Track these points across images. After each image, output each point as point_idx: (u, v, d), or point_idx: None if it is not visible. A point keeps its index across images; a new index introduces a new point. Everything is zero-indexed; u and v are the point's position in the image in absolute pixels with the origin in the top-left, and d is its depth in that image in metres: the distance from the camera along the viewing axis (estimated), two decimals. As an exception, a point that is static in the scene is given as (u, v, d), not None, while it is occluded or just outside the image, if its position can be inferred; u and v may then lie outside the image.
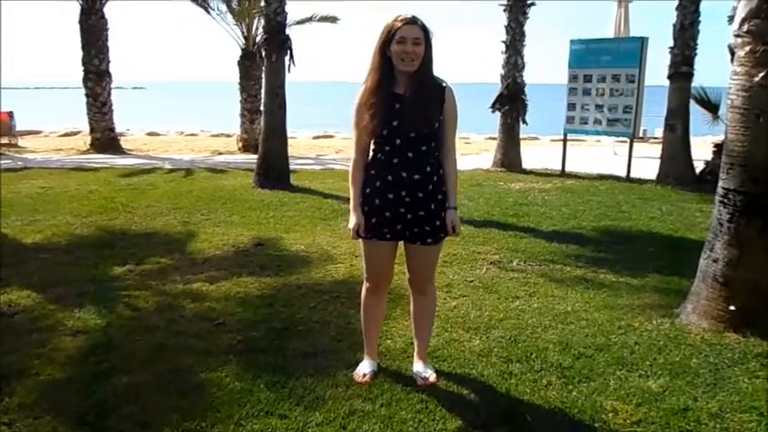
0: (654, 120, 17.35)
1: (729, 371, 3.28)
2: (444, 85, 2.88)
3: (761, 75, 3.43)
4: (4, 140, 15.64)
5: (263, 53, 9.38)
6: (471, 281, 4.78)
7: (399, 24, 2.76)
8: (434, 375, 3.11)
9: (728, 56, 3.76)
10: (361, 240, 2.99)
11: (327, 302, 4.26)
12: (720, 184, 3.81)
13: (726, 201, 3.74)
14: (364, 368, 3.16)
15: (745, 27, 3.53)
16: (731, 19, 3.63)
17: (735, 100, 3.62)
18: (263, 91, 9.68)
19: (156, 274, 4.90)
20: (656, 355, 3.45)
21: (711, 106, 9.98)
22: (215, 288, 4.54)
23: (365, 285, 3.14)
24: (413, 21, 2.78)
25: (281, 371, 3.20)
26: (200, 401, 2.92)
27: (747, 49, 3.51)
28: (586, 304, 4.27)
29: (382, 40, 2.80)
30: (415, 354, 3.22)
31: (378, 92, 2.81)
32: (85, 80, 14.72)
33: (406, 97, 2.81)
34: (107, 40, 14.77)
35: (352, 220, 2.92)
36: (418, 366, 3.16)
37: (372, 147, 2.92)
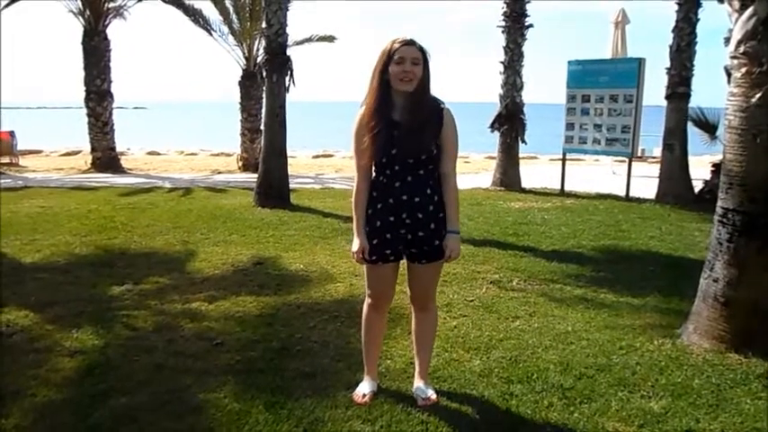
0: (652, 139, 17.44)
1: (731, 392, 3.26)
2: (442, 107, 2.90)
3: (757, 96, 3.45)
4: (5, 160, 15.71)
5: (264, 73, 9.45)
6: (471, 300, 4.77)
7: (398, 46, 2.80)
8: (435, 395, 3.09)
9: (725, 77, 3.78)
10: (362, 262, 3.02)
11: (327, 322, 4.24)
12: (719, 203, 3.82)
13: (725, 220, 3.74)
14: (364, 388, 3.14)
15: (741, 49, 3.55)
16: (727, 41, 3.66)
17: (732, 120, 3.64)
18: (263, 110, 9.73)
19: (155, 294, 4.88)
20: (658, 376, 3.42)
21: (709, 126, 10.02)
22: (214, 307, 4.52)
23: (367, 302, 3.15)
24: (411, 42, 2.82)
25: (279, 392, 3.18)
26: (198, 423, 2.89)
27: (744, 70, 3.54)
28: (587, 324, 4.25)
29: (381, 63, 2.83)
30: (416, 373, 3.20)
31: (376, 117, 2.83)
32: (87, 100, 14.83)
33: (403, 125, 2.83)
34: (109, 61, 14.90)
35: (356, 244, 2.94)
36: (419, 385, 3.14)
37: (374, 169, 2.94)
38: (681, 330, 4.04)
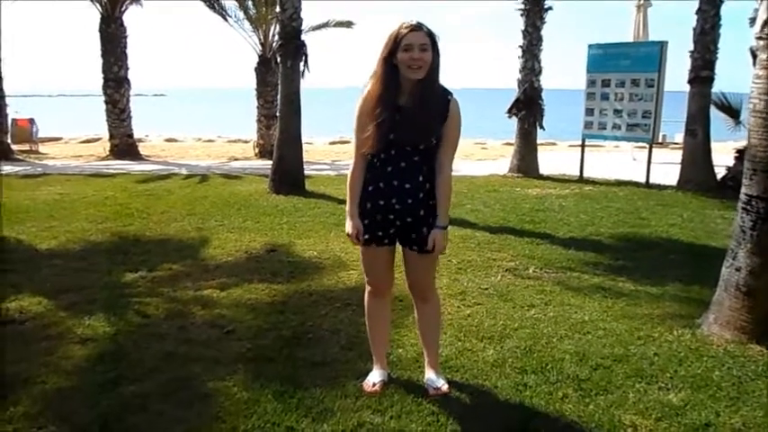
0: (673, 125, 17.13)
1: (753, 384, 3.16)
2: (450, 97, 2.81)
3: (785, 78, 3.30)
4: (26, 147, 15.87)
5: (279, 59, 9.38)
6: (486, 288, 4.69)
7: (405, 31, 2.70)
8: (447, 385, 3.02)
9: (750, 59, 3.64)
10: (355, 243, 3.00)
11: (338, 310, 4.19)
12: (743, 190, 3.69)
13: (749, 208, 3.62)
14: (374, 378, 3.09)
15: (767, 30, 3.41)
16: (753, 21, 3.52)
17: (757, 104, 3.51)
18: (278, 97, 9.67)
19: (168, 281, 4.87)
20: (677, 367, 3.33)
21: (732, 111, 9.81)
22: (226, 295, 4.50)
23: (366, 289, 3.13)
24: (418, 27, 2.72)
25: (289, 381, 3.14)
26: (206, 412, 2.87)
27: (771, 51, 3.40)
28: (604, 313, 4.16)
29: (388, 48, 2.74)
30: (426, 363, 3.14)
31: (380, 102, 2.76)
32: (105, 87, 14.91)
33: (407, 109, 2.75)
34: (126, 47, 14.94)
35: (349, 226, 2.91)
36: (430, 376, 3.08)
37: (369, 151, 2.87)
38: (701, 320, 3.94)
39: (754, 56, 3.55)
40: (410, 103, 2.76)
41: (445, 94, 2.80)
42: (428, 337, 3.11)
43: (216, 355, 3.46)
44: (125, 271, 5.11)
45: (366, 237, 2.90)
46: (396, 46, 2.71)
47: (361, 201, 2.89)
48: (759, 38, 3.45)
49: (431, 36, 2.72)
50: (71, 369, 3.30)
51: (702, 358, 3.44)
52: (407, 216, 2.84)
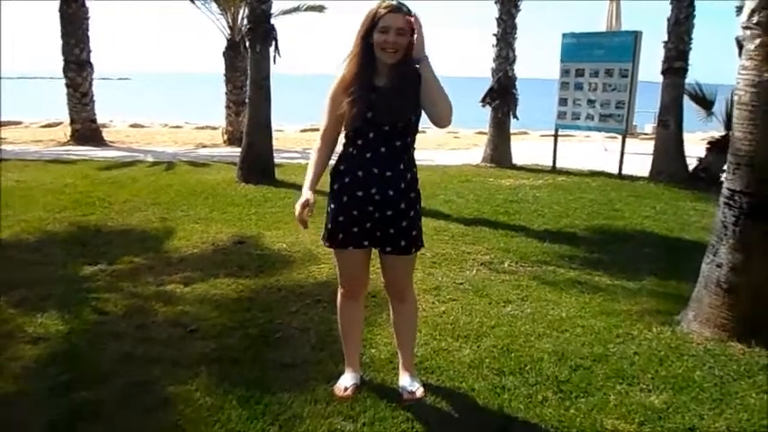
0: (644, 115, 17.25)
1: (736, 385, 3.08)
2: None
3: (772, 70, 3.21)
4: (-17, 131, 15.24)
5: (248, 44, 9.08)
6: (461, 283, 4.56)
7: (383, 12, 2.55)
8: (422, 389, 2.87)
9: (736, 49, 3.55)
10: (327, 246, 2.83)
11: (309, 307, 4.01)
12: (725, 184, 3.60)
13: (731, 203, 3.53)
14: (346, 381, 2.92)
15: (755, 18, 3.31)
16: (740, 10, 3.43)
17: (742, 96, 3.41)
18: (248, 82, 9.38)
19: (128, 275, 4.62)
20: (658, 367, 3.24)
21: (706, 102, 9.83)
22: (190, 290, 4.28)
23: (339, 291, 2.94)
24: (398, 8, 2.56)
25: (255, 384, 2.96)
26: (166, 419, 2.68)
27: (757, 42, 3.30)
28: (582, 310, 4.06)
29: (365, 27, 2.59)
30: (401, 366, 2.97)
31: (356, 81, 2.60)
32: (66, 70, 14.32)
33: (382, 88, 2.61)
34: (88, 29, 14.36)
35: (302, 198, 2.66)
36: (404, 380, 2.91)
37: (344, 140, 2.72)
38: (680, 317, 3.86)
39: (740, 46, 3.45)
40: (387, 84, 2.61)
41: (417, 69, 2.63)
42: (404, 337, 2.95)
43: (177, 356, 3.25)
44: (83, 264, 4.85)
45: (340, 237, 2.72)
46: (372, 25, 2.56)
47: (336, 193, 2.71)
48: (746, 27, 3.35)
49: (411, 18, 2.56)
50: (19, 372, 3.07)
51: (683, 357, 3.36)
52: (387, 209, 2.66)
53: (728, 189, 3.55)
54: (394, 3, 2.57)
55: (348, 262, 2.81)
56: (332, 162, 2.77)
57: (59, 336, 3.49)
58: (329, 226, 2.75)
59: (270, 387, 2.94)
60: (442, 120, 2.62)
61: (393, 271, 2.83)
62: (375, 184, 2.63)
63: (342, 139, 2.73)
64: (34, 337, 3.44)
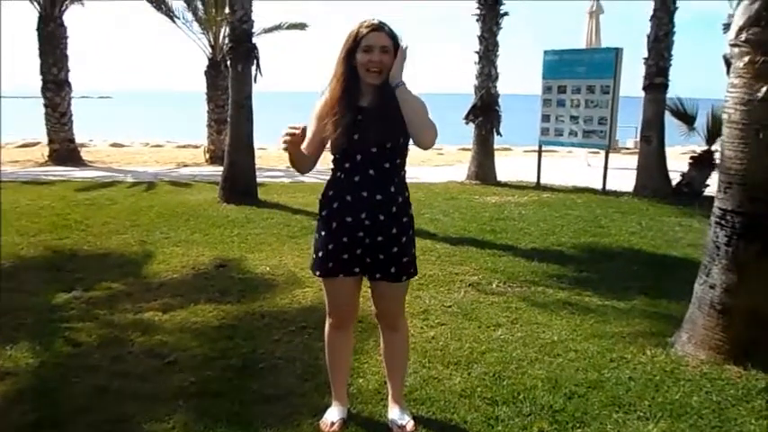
0: (625, 130, 17.36)
1: (734, 410, 2.99)
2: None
3: (764, 89, 3.15)
4: (-43, 152, 14.92)
5: (229, 63, 8.98)
6: (449, 306, 4.45)
7: (365, 31, 2.47)
8: (412, 423, 2.76)
9: (724, 67, 3.50)
10: (317, 276, 2.69)
11: (293, 334, 3.87)
12: (716, 204, 3.54)
13: (723, 222, 3.47)
14: (332, 416, 2.79)
15: (743, 36, 3.27)
16: (727, 27, 3.38)
17: (732, 114, 3.36)
18: (229, 101, 9.26)
19: (105, 302, 4.45)
20: (654, 393, 3.14)
21: (687, 117, 9.88)
22: (168, 318, 4.13)
23: (328, 321, 2.81)
24: (379, 27, 2.48)
25: (237, 420, 2.82)
26: (141, 461, 2.52)
27: (746, 59, 3.25)
28: (573, 332, 3.96)
29: (347, 48, 2.50)
30: (390, 397, 2.86)
31: (340, 103, 2.50)
32: (44, 90, 14.13)
33: (367, 108, 2.52)
34: (66, 48, 14.19)
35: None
36: (394, 412, 2.80)
37: (332, 165, 2.61)
38: (674, 339, 3.77)
39: (728, 64, 3.40)
40: (372, 104, 2.52)
41: None
42: (394, 368, 2.84)
43: (155, 390, 3.10)
44: (57, 291, 4.66)
45: (330, 265, 2.60)
46: (355, 45, 2.46)
47: (325, 220, 2.60)
48: (734, 45, 3.31)
49: (392, 38, 2.48)
50: (-15, 411, 2.90)
51: (679, 382, 3.26)
52: (377, 234, 2.55)
53: (720, 209, 3.49)
54: (375, 21, 2.49)
55: (338, 291, 2.69)
56: (320, 190, 2.66)
57: (29, 370, 3.32)
58: (319, 254, 2.62)
59: (252, 422, 2.80)
60: (425, 142, 2.52)
61: (383, 299, 2.72)
62: (365, 209, 2.53)
63: (330, 165, 2.63)
64: (2, 372, 3.27)
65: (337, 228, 2.56)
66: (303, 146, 2.50)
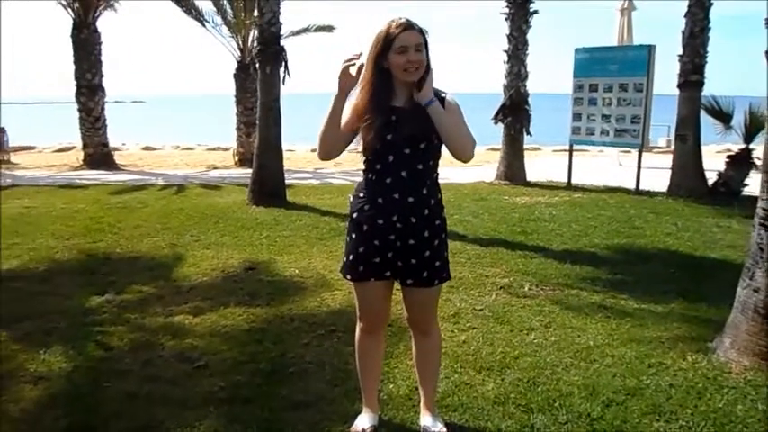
0: (657, 129, 17.00)
1: (782, 420, 2.86)
2: (444, 95, 2.50)
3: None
4: (-4, 157, 15.29)
5: (257, 65, 9.02)
6: (480, 309, 4.37)
7: (397, 31, 2.39)
8: (445, 430, 2.69)
9: (765, 63, 3.36)
10: (348, 280, 2.65)
11: (323, 338, 3.84)
12: (760, 204, 3.41)
13: (767, 224, 3.33)
14: (363, 423, 2.74)
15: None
16: (770, 21, 3.23)
17: (776, 110, 3.22)
18: (258, 104, 9.30)
19: (136, 305, 4.48)
20: (696, 401, 3.02)
21: (723, 116, 9.62)
22: (199, 321, 4.13)
23: (359, 325, 2.76)
24: (410, 26, 2.41)
25: (266, 426, 2.78)
26: (171, 468, 2.50)
27: (791, 53, 3.12)
28: (609, 337, 3.85)
29: (377, 49, 2.42)
30: (422, 404, 2.80)
31: (372, 105, 2.43)
32: (78, 95, 14.42)
33: (403, 109, 2.46)
34: (100, 54, 14.47)
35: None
36: (426, 419, 2.74)
37: (363, 166, 2.55)
38: (715, 344, 3.64)
39: (772, 59, 3.27)
40: (407, 104, 2.46)
41: (440, 94, 2.49)
42: (426, 374, 2.78)
43: (184, 395, 3.09)
44: (90, 294, 4.71)
45: (361, 269, 2.54)
46: (386, 47, 2.39)
47: (356, 223, 2.54)
48: (778, 39, 3.18)
49: (423, 34, 2.42)
50: (18, 415, 2.91)
51: (723, 390, 3.14)
52: (410, 237, 2.49)
53: (763, 209, 3.36)
54: (404, 20, 2.42)
55: (369, 295, 2.63)
56: (348, 191, 2.62)
57: (61, 375, 3.33)
58: (349, 258, 2.58)
59: (282, 429, 2.76)
60: (463, 156, 2.48)
61: (415, 304, 2.65)
62: (396, 212, 2.47)
63: (358, 166, 2.58)
64: (35, 377, 3.29)
65: (368, 230, 2.51)
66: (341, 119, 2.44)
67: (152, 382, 3.22)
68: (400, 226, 2.48)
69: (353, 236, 2.56)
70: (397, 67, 2.41)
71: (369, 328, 2.73)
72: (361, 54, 2.43)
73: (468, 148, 2.47)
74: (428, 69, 2.43)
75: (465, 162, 2.55)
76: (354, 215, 2.55)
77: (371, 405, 2.80)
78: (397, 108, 2.46)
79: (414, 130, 2.43)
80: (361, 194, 2.54)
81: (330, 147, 2.52)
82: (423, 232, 2.50)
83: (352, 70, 2.43)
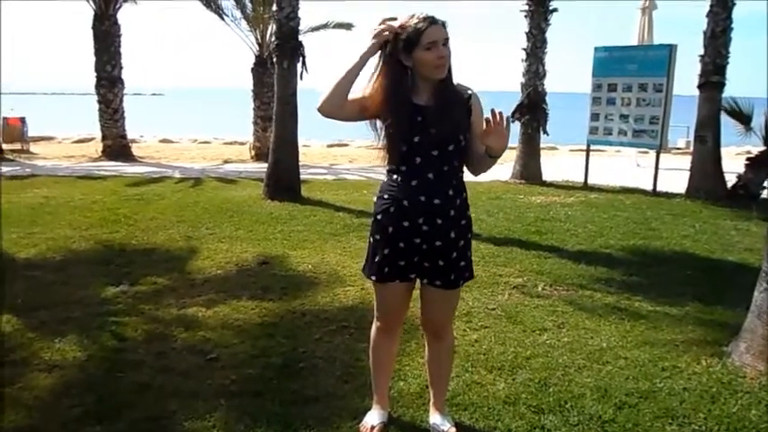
0: (676, 130, 16.82)
1: (797, 427, 2.82)
2: (469, 92, 2.46)
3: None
4: (17, 146, 15.50)
5: (275, 59, 9.04)
6: (493, 308, 4.35)
7: (423, 26, 2.30)
8: (454, 429, 2.68)
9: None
10: (372, 281, 2.60)
11: (334, 333, 3.84)
12: (780, 207, 3.35)
13: (787, 227, 3.27)
14: (372, 419, 2.74)
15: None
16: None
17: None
18: (274, 98, 9.33)
19: (151, 297, 4.52)
20: (710, 406, 2.99)
21: (743, 117, 9.50)
22: (212, 314, 4.15)
23: (375, 324, 2.72)
24: (435, 20, 2.33)
25: (276, 420, 2.79)
26: (181, 459, 2.52)
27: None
28: (623, 339, 3.82)
29: (400, 45, 2.33)
30: (431, 404, 2.79)
31: (393, 99, 2.36)
32: (98, 86, 14.58)
33: (430, 108, 2.38)
34: (120, 46, 14.60)
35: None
36: (435, 419, 2.73)
37: (387, 166, 2.49)
38: (730, 348, 3.60)
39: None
40: (432, 102, 2.38)
41: (463, 90, 2.45)
42: (437, 376, 2.76)
43: (196, 387, 3.10)
44: (105, 285, 4.75)
45: (386, 270, 2.50)
46: (411, 43, 2.31)
47: (381, 224, 2.48)
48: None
49: (445, 27, 2.35)
50: (32, 403, 2.95)
51: (737, 394, 3.10)
52: (436, 239, 2.44)
53: (784, 212, 3.30)
54: (428, 15, 2.33)
55: (391, 296, 2.58)
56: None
57: (75, 364, 3.37)
58: (375, 259, 2.52)
59: (292, 423, 2.77)
60: (477, 174, 2.54)
61: (434, 305, 2.60)
62: (422, 214, 2.41)
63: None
64: (50, 365, 3.33)
65: (393, 233, 2.45)
66: (351, 94, 2.38)
67: (164, 374, 3.24)
68: (426, 228, 2.42)
69: (378, 237, 2.50)
70: (426, 64, 2.33)
71: (386, 327, 2.69)
72: (396, 19, 2.35)
73: (486, 172, 2.51)
74: (506, 121, 2.33)
75: (475, 176, 2.57)
76: (379, 216, 2.49)
77: (382, 402, 2.80)
78: (422, 107, 2.39)
79: (443, 131, 2.37)
80: (386, 196, 2.47)
81: (335, 102, 2.38)
82: (449, 233, 2.45)
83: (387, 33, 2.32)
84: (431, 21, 2.31)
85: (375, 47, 2.36)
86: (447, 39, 2.34)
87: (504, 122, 2.30)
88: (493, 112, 2.29)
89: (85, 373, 3.26)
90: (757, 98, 9.84)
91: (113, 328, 3.90)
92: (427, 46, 2.30)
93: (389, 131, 2.39)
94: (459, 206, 2.47)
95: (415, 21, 2.32)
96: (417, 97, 2.40)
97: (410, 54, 2.33)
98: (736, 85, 9.89)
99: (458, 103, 2.42)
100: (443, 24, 2.35)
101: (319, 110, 2.41)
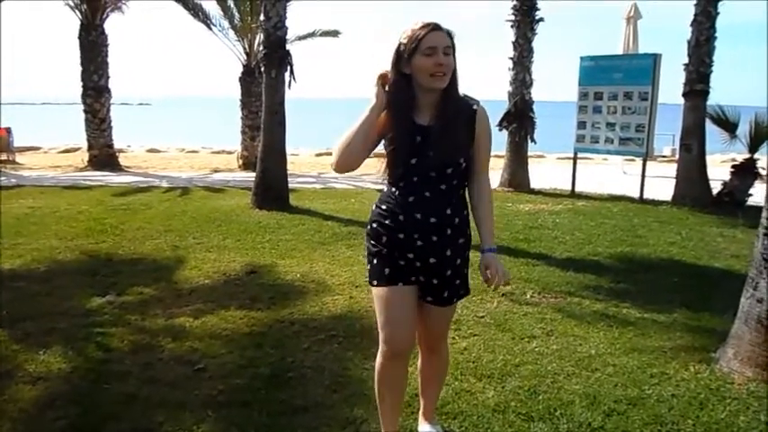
0: (661, 138, 16.99)
1: (784, 432, 2.84)
2: (475, 107, 2.34)
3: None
4: (2, 157, 15.37)
5: (263, 69, 9.04)
6: (482, 316, 4.35)
7: (423, 32, 2.22)
8: (443, 437, 2.67)
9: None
10: (373, 291, 2.46)
11: (323, 343, 3.82)
12: (765, 214, 3.38)
13: (771, 233, 3.31)
14: None
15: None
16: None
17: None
18: (262, 107, 9.32)
19: (137, 307, 4.47)
20: (699, 412, 3.00)
21: (729, 125, 9.60)
22: (199, 324, 4.12)
23: (381, 350, 2.46)
24: (439, 26, 2.24)
25: (264, 430, 2.77)
26: (168, 471, 2.49)
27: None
28: (611, 346, 3.83)
29: (401, 54, 2.26)
30: (421, 413, 2.78)
31: (394, 123, 2.29)
32: (84, 96, 14.49)
33: (430, 128, 2.29)
34: (107, 55, 14.53)
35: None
36: (424, 427, 2.72)
37: (388, 179, 2.42)
38: (718, 355, 3.62)
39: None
40: (433, 120, 2.30)
41: (469, 104, 2.34)
42: (429, 389, 2.72)
43: (183, 398, 3.07)
44: (91, 295, 4.71)
45: (387, 271, 2.37)
46: (412, 49, 2.22)
47: (376, 233, 2.41)
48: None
49: (451, 37, 2.27)
50: (16, 416, 2.91)
51: (725, 401, 3.11)
52: (431, 256, 2.35)
53: (768, 219, 3.34)
54: (431, 21, 2.27)
55: (396, 302, 2.38)
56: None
57: (61, 375, 3.33)
58: (374, 262, 2.42)
59: (280, 434, 2.75)
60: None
61: (429, 320, 2.50)
62: (417, 231, 2.33)
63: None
64: (34, 377, 3.28)
65: (387, 242, 2.38)
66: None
67: (151, 385, 3.21)
68: (421, 243, 2.34)
69: (374, 242, 2.43)
70: (423, 71, 2.23)
71: (394, 351, 2.43)
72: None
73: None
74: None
75: None
76: (374, 224, 2.42)
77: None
78: (423, 127, 2.30)
79: (442, 155, 2.28)
80: (384, 207, 2.39)
81: (353, 158, 2.32)
82: (444, 251, 2.36)
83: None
84: (433, 27, 2.24)
85: (380, 94, 2.29)
86: (450, 47, 2.24)
87: (503, 282, 2.42)
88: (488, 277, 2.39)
89: (71, 384, 3.22)
90: (740, 106, 9.97)
91: (99, 338, 3.86)
92: (426, 52, 2.21)
93: (389, 149, 2.34)
94: (458, 225, 2.37)
95: (418, 26, 2.25)
96: (419, 115, 2.32)
97: (410, 61, 2.25)
98: (720, 93, 10.01)
99: (461, 120, 2.31)
100: (449, 33, 2.26)
101: (339, 171, 2.39)
